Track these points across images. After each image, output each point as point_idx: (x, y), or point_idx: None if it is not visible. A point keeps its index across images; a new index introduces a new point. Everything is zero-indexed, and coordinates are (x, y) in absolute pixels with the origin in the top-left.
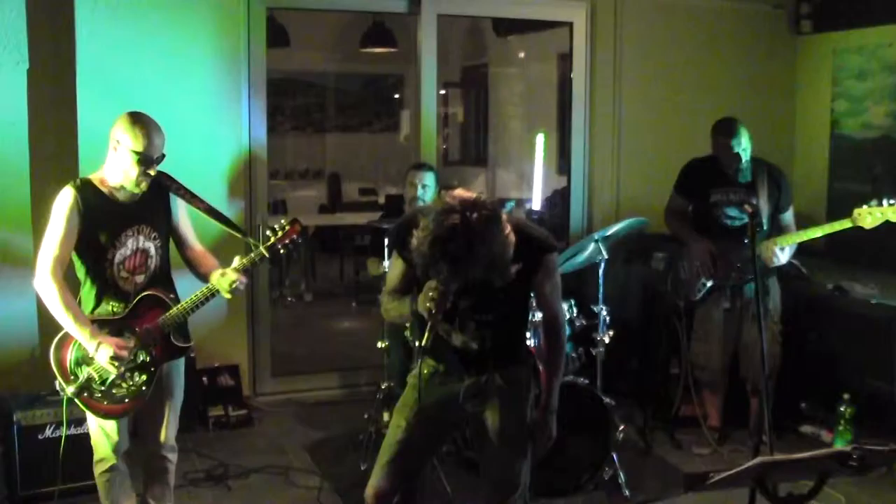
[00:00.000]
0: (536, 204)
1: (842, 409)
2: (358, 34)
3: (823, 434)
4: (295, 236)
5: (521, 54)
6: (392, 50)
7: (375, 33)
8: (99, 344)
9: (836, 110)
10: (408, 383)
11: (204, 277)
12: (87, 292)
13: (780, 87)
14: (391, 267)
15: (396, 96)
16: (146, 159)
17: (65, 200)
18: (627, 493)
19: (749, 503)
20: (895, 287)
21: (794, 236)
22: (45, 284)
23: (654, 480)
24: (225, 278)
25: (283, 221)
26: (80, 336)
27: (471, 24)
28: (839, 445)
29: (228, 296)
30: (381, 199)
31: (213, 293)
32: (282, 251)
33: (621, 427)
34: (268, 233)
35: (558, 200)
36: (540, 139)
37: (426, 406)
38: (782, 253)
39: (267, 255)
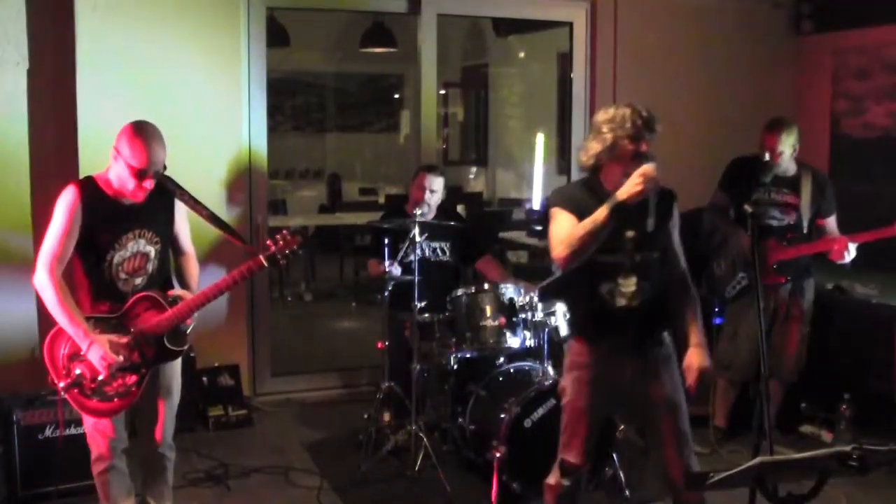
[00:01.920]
0: (536, 204)
1: (842, 409)
2: (358, 34)
3: (823, 434)
4: (295, 247)
5: (521, 54)
6: (392, 50)
7: (375, 33)
8: (91, 343)
9: (836, 110)
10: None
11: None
12: (85, 291)
13: (781, 86)
14: (559, 222)
15: (396, 96)
16: (142, 174)
17: (69, 199)
18: (627, 493)
19: (749, 503)
20: (895, 287)
21: (860, 236)
22: (44, 282)
23: (654, 480)
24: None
25: (284, 232)
26: (75, 334)
27: (471, 24)
28: (839, 445)
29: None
30: (381, 199)
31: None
32: (281, 262)
33: (621, 427)
34: (268, 242)
35: None
36: (540, 139)
37: (600, 390)
38: (849, 253)
39: (266, 264)
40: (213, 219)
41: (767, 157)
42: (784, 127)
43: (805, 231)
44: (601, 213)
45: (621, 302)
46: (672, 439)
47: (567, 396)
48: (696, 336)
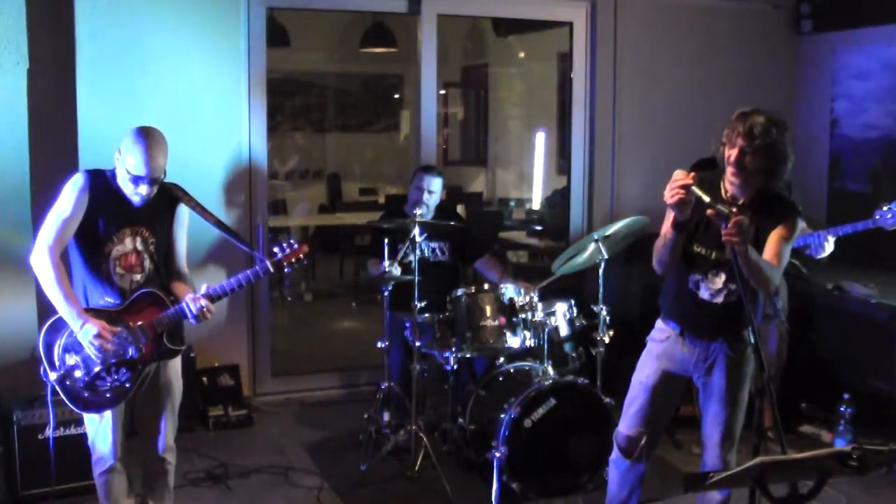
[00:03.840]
0: (536, 204)
1: (842, 409)
2: (358, 34)
3: (823, 434)
4: (302, 256)
5: (521, 54)
6: (392, 50)
7: (375, 33)
8: (84, 323)
9: (836, 110)
10: (651, 339)
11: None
12: (80, 284)
13: (780, 87)
14: (665, 221)
15: (396, 96)
16: (137, 180)
17: (76, 183)
18: None
19: (749, 503)
20: (895, 287)
21: (840, 228)
22: (42, 260)
23: (655, 480)
24: (195, 303)
25: (292, 241)
26: (68, 314)
27: (471, 24)
28: (839, 445)
29: (194, 322)
30: (381, 199)
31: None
32: (286, 269)
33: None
34: (275, 249)
35: (558, 200)
36: (540, 139)
37: (666, 367)
38: (829, 245)
39: (272, 270)
40: (220, 225)
41: None
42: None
43: None
44: (668, 229)
45: (704, 295)
46: (716, 432)
47: (637, 368)
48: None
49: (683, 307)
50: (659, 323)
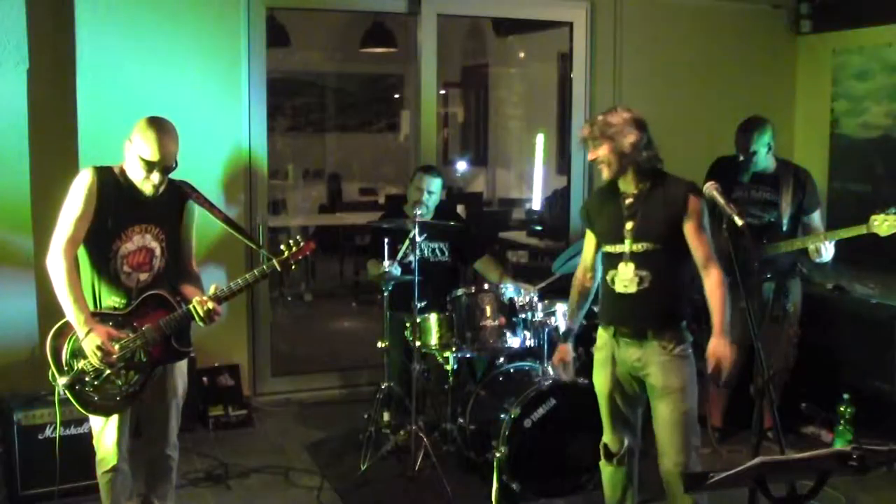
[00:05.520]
0: (536, 204)
1: (842, 409)
2: (358, 34)
3: (823, 434)
4: (308, 253)
5: (521, 54)
6: (392, 50)
7: (375, 33)
8: (89, 331)
9: (836, 110)
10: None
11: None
12: (88, 284)
13: (780, 86)
14: (587, 245)
15: (396, 96)
16: (150, 165)
17: (83, 181)
18: None
19: (749, 503)
20: (895, 287)
21: (834, 233)
22: (56, 262)
23: (655, 480)
24: (202, 306)
25: (298, 238)
26: (76, 319)
27: (471, 24)
28: (839, 445)
29: (202, 324)
30: (381, 199)
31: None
32: (293, 266)
33: None
34: (282, 247)
35: (558, 200)
36: (540, 139)
37: (612, 372)
38: (826, 250)
39: (279, 268)
40: (229, 222)
41: (741, 156)
42: (756, 127)
43: (785, 229)
44: None
45: (620, 288)
46: (661, 429)
47: (592, 380)
48: (716, 325)
49: (609, 305)
50: (599, 330)
